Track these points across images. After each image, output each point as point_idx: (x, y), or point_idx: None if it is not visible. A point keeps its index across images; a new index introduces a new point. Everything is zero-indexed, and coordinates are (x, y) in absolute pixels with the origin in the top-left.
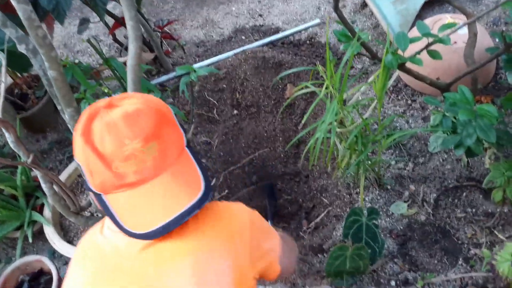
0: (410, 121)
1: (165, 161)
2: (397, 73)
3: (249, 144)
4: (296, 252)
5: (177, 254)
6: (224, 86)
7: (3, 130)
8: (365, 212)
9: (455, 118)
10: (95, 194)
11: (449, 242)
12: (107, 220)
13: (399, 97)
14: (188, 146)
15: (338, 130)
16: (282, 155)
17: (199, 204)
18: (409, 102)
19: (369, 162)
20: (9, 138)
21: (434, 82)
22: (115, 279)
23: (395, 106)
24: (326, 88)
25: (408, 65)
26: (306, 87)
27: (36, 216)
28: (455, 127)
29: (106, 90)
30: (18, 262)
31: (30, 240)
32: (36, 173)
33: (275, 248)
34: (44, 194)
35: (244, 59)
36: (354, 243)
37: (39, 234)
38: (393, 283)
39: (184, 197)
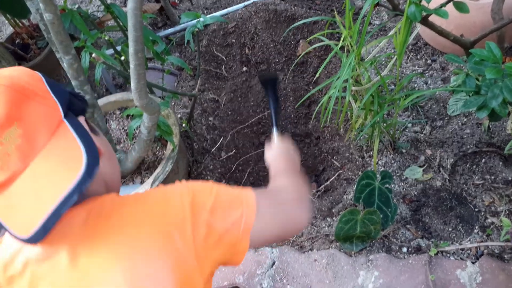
0: (429, 82)
1: (34, 146)
2: (418, 29)
3: (258, 103)
4: (298, 196)
5: (104, 261)
6: (233, 41)
7: None
8: (378, 176)
9: (477, 79)
10: None
11: (465, 209)
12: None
13: (418, 57)
14: (71, 114)
15: (353, 88)
16: (292, 115)
17: (79, 188)
18: (429, 62)
19: (384, 124)
20: None
21: (458, 39)
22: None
23: (414, 66)
24: (344, 40)
25: (432, 19)
26: (320, 41)
27: None
28: (478, 88)
29: (107, 38)
30: None
31: None
32: None
33: (239, 219)
34: None
35: (254, 11)
36: (365, 207)
37: None
38: (404, 249)
39: (59, 183)
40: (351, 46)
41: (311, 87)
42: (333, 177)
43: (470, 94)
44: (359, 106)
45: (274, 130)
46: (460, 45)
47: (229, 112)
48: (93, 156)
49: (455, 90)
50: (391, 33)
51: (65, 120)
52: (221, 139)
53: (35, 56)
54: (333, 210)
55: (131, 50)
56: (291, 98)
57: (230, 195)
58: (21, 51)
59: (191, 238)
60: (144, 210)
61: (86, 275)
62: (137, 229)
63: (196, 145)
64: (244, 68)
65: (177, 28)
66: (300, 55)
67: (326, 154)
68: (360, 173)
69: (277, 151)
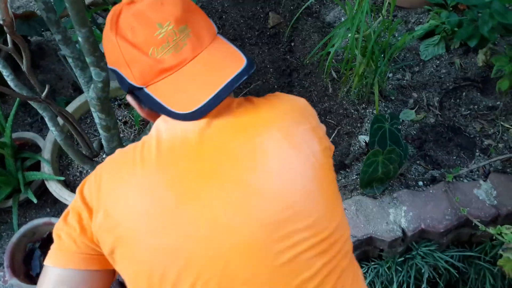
0: (396, 34)
1: (201, 42)
2: None
3: None
4: None
5: (260, 125)
6: None
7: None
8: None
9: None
10: (135, 92)
11: (462, 138)
12: (154, 127)
13: (378, 15)
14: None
15: (356, 35)
16: (276, 86)
17: (248, 71)
18: (391, 18)
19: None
20: (7, 75)
21: None
22: (193, 162)
23: (379, 22)
24: None
25: None
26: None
27: (32, 175)
28: (460, 22)
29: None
30: (23, 229)
31: (35, 201)
32: (43, 115)
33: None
34: (35, 152)
35: None
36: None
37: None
38: (420, 183)
39: (228, 68)
40: None
41: (287, 56)
42: (333, 135)
43: (444, 36)
44: (361, 55)
45: None
46: None
47: None
48: (249, 57)
49: (424, 37)
50: None
51: (219, 35)
52: None
53: None
54: (346, 162)
55: None
56: (271, 70)
57: None
58: None
59: (316, 121)
60: (281, 98)
61: (254, 125)
62: (281, 106)
63: None
64: None
65: None
66: (271, 27)
67: (318, 116)
68: (359, 125)
69: None
